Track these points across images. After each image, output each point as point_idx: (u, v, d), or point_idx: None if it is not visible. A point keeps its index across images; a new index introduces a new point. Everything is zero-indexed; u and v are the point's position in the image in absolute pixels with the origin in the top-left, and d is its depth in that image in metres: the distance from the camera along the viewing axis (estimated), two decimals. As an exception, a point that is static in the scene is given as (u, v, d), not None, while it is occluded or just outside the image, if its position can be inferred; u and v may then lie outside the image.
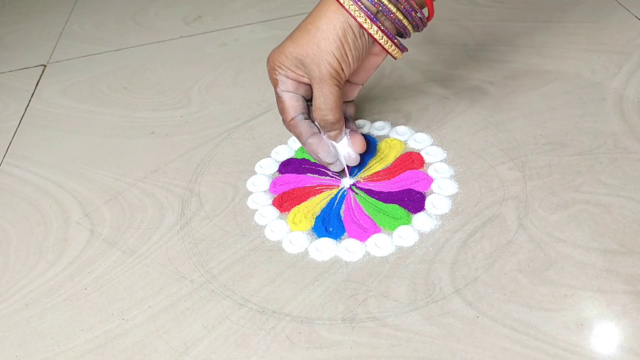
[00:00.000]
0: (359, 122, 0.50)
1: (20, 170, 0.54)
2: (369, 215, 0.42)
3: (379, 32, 0.38)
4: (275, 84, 0.42)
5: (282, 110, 0.43)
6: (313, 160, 0.47)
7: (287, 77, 0.41)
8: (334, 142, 0.43)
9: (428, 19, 0.41)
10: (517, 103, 0.50)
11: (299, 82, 0.41)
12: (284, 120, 0.43)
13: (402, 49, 0.41)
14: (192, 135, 0.54)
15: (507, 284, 0.36)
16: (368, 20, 0.38)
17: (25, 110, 0.62)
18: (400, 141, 0.48)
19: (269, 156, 0.49)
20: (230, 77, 0.61)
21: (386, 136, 0.49)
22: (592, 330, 0.33)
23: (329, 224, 0.42)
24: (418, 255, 0.39)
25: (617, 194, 0.40)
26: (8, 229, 0.47)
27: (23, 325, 0.39)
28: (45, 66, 0.70)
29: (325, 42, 0.38)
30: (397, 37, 0.41)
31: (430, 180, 0.44)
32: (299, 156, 0.48)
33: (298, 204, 0.44)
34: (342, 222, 0.42)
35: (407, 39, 0.42)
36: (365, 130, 0.50)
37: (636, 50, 0.53)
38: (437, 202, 0.42)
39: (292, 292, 0.38)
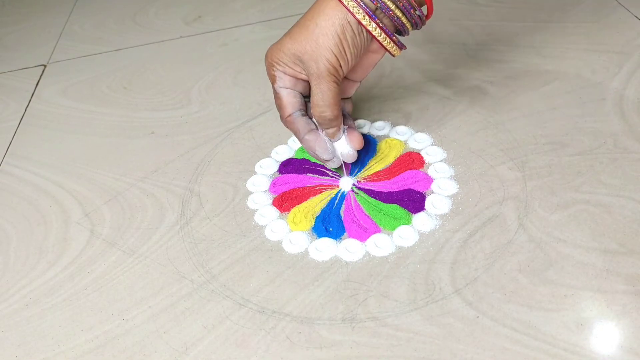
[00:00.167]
0: (359, 122, 0.50)
1: (20, 170, 0.54)
2: (369, 215, 0.42)
3: (378, 29, 0.38)
4: (273, 80, 0.42)
5: (279, 107, 0.43)
6: (313, 160, 0.47)
7: (285, 74, 0.41)
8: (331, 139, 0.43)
9: (427, 17, 0.41)
10: (517, 103, 0.50)
11: (297, 78, 0.41)
12: (281, 117, 0.43)
13: (401, 46, 0.41)
14: (192, 135, 0.54)
15: (507, 284, 0.36)
16: (367, 17, 0.38)
17: (25, 110, 0.62)
18: (400, 141, 0.48)
19: (269, 156, 0.49)
20: (230, 77, 0.61)
21: (386, 136, 0.49)
22: (592, 330, 0.33)
23: (329, 224, 0.42)
24: (418, 255, 0.39)
25: (617, 194, 0.40)
26: (8, 229, 0.47)
27: (23, 325, 0.39)
28: (45, 66, 0.70)
29: (324, 38, 0.38)
30: (395, 34, 0.41)
31: (430, 180, 0.44)
32: (299, 156, 0.48)
33: (298, 204, 0.44)
34: (342, 222, 0.42)
35: (405, 36, 0.42)
36: (365, 130, 0.50)
37: (636, 50, 0.53)
38: (437, 202, 0.42)
39: (292, 292, 0.38)
